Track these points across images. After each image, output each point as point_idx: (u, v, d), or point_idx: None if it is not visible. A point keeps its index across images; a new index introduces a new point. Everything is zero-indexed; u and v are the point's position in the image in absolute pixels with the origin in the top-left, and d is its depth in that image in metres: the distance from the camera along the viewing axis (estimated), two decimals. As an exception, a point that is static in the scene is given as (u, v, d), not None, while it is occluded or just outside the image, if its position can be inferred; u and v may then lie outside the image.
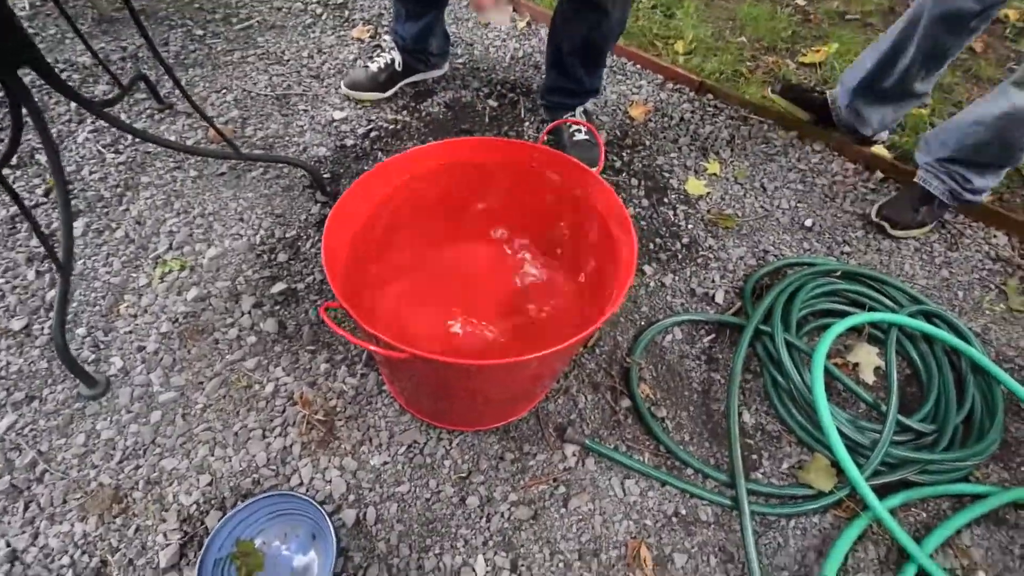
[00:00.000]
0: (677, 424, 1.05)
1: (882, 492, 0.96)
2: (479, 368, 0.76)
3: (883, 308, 1.22)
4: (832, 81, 1.84)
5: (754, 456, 1.03)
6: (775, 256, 1.33)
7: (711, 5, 2.18)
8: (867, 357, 1.17)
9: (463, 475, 0.96)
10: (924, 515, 0.98)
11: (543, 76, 1.51)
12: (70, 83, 1.54)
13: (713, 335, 1.18)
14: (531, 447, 1.00)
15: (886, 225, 1.38)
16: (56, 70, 1.55)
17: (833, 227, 1.41)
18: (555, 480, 0.97)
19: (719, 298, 1.24)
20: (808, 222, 1.41)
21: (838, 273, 1.26)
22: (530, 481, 0.97)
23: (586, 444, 0.99)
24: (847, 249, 1.37)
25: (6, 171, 1.33)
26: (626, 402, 1.07)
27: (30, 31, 1.68)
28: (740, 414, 1.07)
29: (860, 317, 1.12)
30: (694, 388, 1.10)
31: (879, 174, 1.52)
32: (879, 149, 1.59)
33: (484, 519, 0.92)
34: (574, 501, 0.95)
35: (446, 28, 1.58)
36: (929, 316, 1.21)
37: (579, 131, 1.45)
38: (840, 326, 1.08)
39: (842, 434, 1.00)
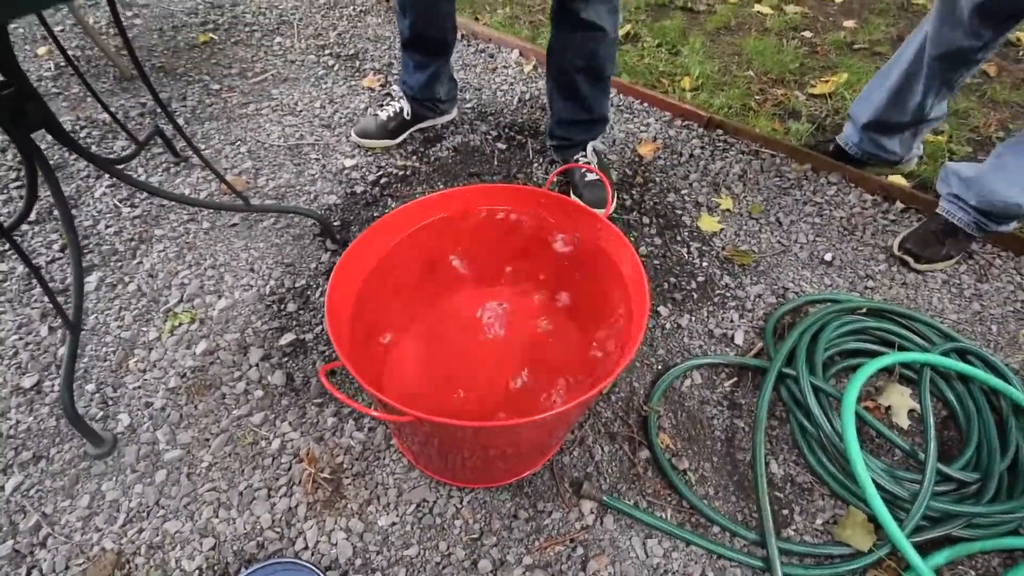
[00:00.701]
0: (700, 476, 1.00)
1: (926, 549, 0.89)
2: (486, 430, 0.73)
3: (913, 346, 1.17)
4: (843, 111, 1.82)
5: (784, 511, 0.96)
6: (795, 293, 1.28)
7: (717, 41, 2.20)
8: (900, 399, 1.11)
9: (475, 536, 0.92)
10: (973, 573, 0.91)
11: (549, 116, 1.51)
12: (90, 139, 1.59)
13: (735, 378, 1.13)
14: (546, 504, 0.96)
15: (909, 260, 1.33)
16: (77, 127, 1.61)
17: (855, 261, 1.36)
18: (572, 540, 0.92)
19: (739, 339, 1.19)
20: (828, 256, 1.36)
21: (863, 310, 1.21)
22: (545, 542, 0.91)
23: (604, 501, 0.94)
24: (871, 284, 1.32)
25: (25, 227, 1.36)
26: (645, 453, 1.02)
27: (54, 90, 1.74)
28: (767, 464, 1.01)
29: (890, 357, 1.06)
30: (717, 436, 1.05)
31: (899, 204, 1.48)
32: (897, 179, 1.55)
33: (497, 585, 0.87)
34: (593, 564, 0.89)
35: (453, 75, 1.60)
36: (963, 353, 1.14)
37: (590, 163, 1.45)
38: (870, 368, 1.02)
39: (878, 486, 0.93)
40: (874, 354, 1.15)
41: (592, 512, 0.95)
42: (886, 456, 1.04)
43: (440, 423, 0.66)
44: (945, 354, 1.12)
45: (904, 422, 1.08)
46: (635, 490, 0.98)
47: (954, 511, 0.92)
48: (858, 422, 1.01)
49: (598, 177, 1.41)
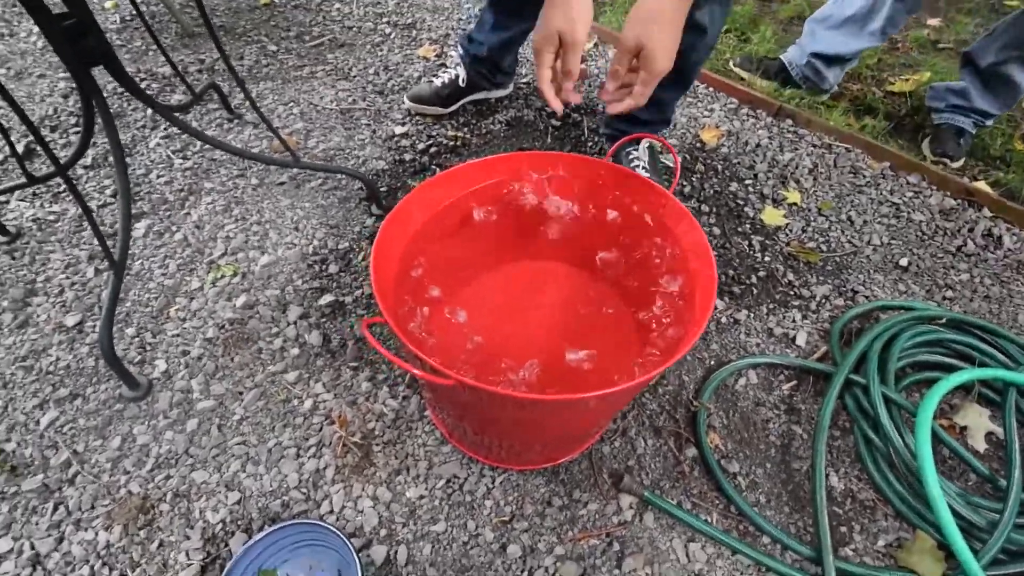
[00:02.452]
0: (751, 482, 0.92)
1: (1003, 586, 0.80)
2: (531, 402, 0.68)
3: (995, 363, 1.06)
4: (923, 110, 1.69)
5: (843, 528, 0.88)
6: (866, 297, 1.18)
7: (789, 31, 2.08)
8: (977, 420, 1.01)
9: (505, 519, 0.87)
10: (1055, 619, 0.81)
11: None
12: (149, 91, 1.60)
13: (794, 382, 1.05)
14: (582, 494, 0.90)
15: (947, 161, 1.46)
16: (137, 79, 1.63)
17: (933, 268, 1.25)
18: (608, 535, 0.86)
19: (800, 340, 1.10)
20: (903, 261, 1.26)
21: (942, 320, 1.11)
22: (580, 534, 0.86)
23: (645, 496, 0.88)
24: (949, 294, 1.21)
25: (80, 171, 1.38)
26: (692, 451, 0.95)
27: (118, 43, 1.77)
28: (827, 476, 0.93)
29: (972, 373, 0.96)
30: (771, 442, 0.97)
31: (986, 211, 1.36)
32: (982, 185, 1.42)
33: (526, 573, 0.82)
34: (629, 562, 0.83)
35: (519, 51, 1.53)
36: (1054, 377, 1.03)
37: (640, 164, 1.31)
38: (949, 382, 0.92)
39: (953, 511, 0.84)
40: (950, 368, 1.05)
41: (631, 507, 0.89)
42: (959, 480, 0.95)
43: (481, 390, 0.61)
44: (1035, 375, 1.01)
45: (980, 445, 0.98)
46: (679, 489, 0.91)
47: (1040, 547, 0.82)
48: (933, 441, 0.92)
49: (647, 173, 1.29)
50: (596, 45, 1.85)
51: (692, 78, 1.20)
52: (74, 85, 1.62)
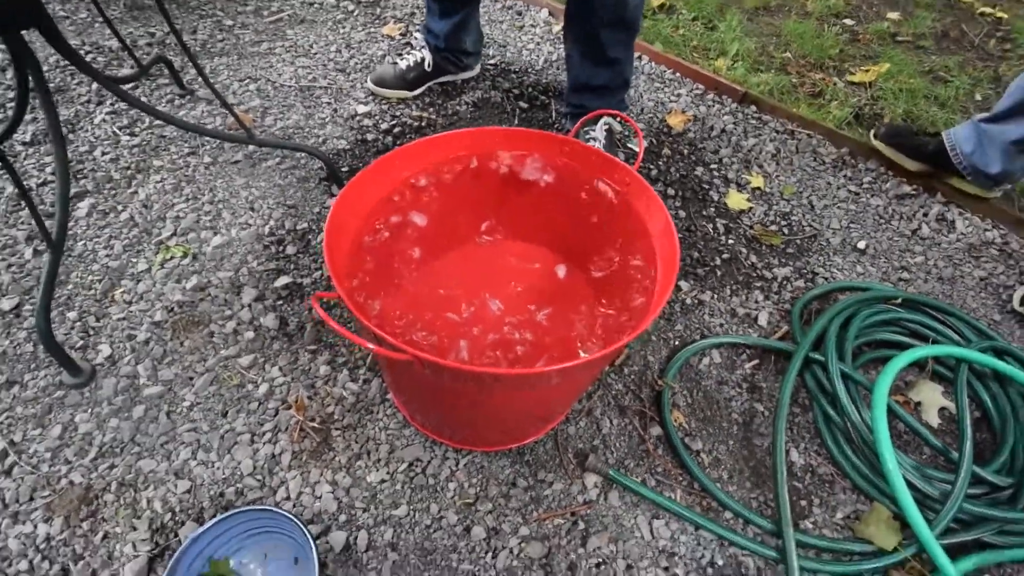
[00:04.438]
0: (714, 459, 0.93)
1: (953, 553, 0.83)
2: (491, 377, 0.66)
3: (947, 341, 1.09)
4: (886, 100, 1.73)
5: (803, 502, 0.90)
6: (825, 279, 1.21)
7: (755, 20, 2.10)
8: (931, 396, 1.04)
9: (469, 501, 0.85)
10: (1001, 584, 0.84)
11: (567, 82, 1.38)
12: (94, 65, 1.51)
13: (756, 360, 1.06)
14: (547, 474, 0.89)
15: None
16: (81, 52, 1.53)
17: (889, 251, 1.28)
18: (573, 514, 0.85)
19: (762, 320, 1.12)
20: (861, 244, 1.28)
21: (898, 301, 1.14)
22: (544, 514, 0.85)
23: (610, 475, 0.88)
24: (905, 276, 1.24)
25: (19, 148, 1.29)
26: (656, 430, 0.95)
27: (61, 14, 1.66)
28: (787, 452, 0.94)
29: (927, 349, 0.99)
30: (734, 419, 0.98)
31: (940, 197, 1.40)
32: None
33: (490, 554, 0.81)
34: (594, 540, 0.83)
35: (480, 26, 1.51)
36: (1000, 353, 1.07)
37: (598, 145, 1.32)
38: (903, 359, 0.95)
39: (907, 483, 0.86)
40: (906, 347, 1.07)
41: (596, 486, 0.88)
42: (913, 453, 0.97)
43: (441, 365, 0.59)
44: (983, 352, 1.04)
45: (934, 420, 1.01)
46: (643, 467, 0.91)
47: (987, 515, 0.85)
48: (887, 416, 0.94)
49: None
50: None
51: (637, 25, 1.21)
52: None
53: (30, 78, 0.92)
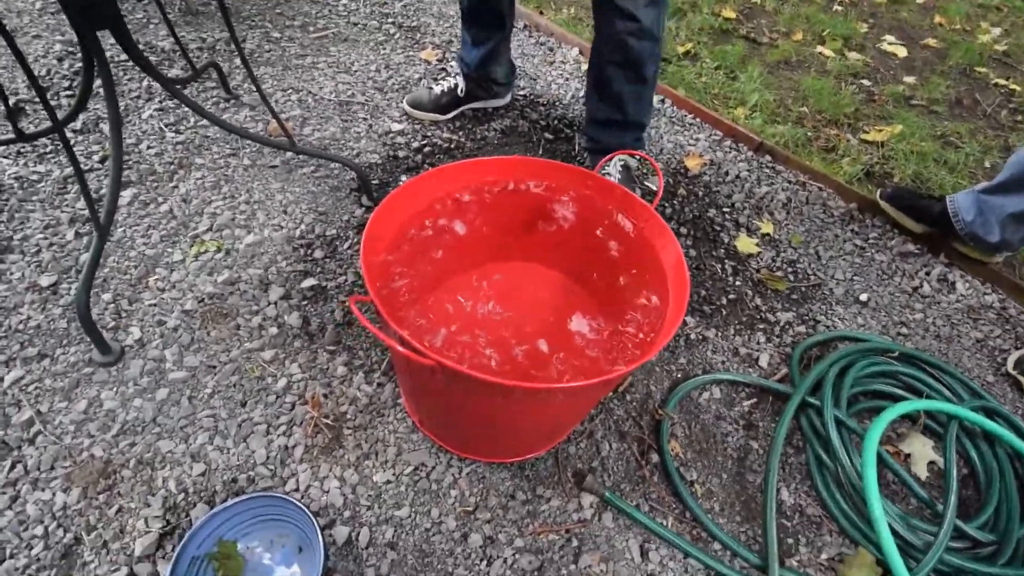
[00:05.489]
0: (707, 491, 0.96)
1: (933, 605, 0.85)
2: (505, 388, 0.70)
3: (940, 398, 1.13)
4: (897, 160, 1.80)
5: (790, 540, 0.92)
6: (826, 327, 1.25)
7: (775, 74, 2.18)
8: (921, 449, 1.07)
9: (469, 509, 0.89)
10: (979, 640, 0.86)
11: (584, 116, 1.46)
12: (147, 64, 1.60)
13: (754, 400, 1.10)
14: (545, 490, 0.92)
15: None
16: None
17: (890, 305, 1.32)
18: (567, 531, 0.88)
19: (763, 361, 1.16)
20: (863, 297, 1.33)
21: (895, 354, 1.17)
22: (540, 528, 0.88)
23: (606, 496, 0.91)
24: (904, 331, 1.28)
25: (69, 135, 1.36)
26: (654, 457, 0.99)
27: (120, 13, 1.76)
28: (778, 490, 0.97)
29: (919, 404, 1.02)
30: (729, 454, 1.01)
31: (943, 258, 1.45)
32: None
33: (484, 562, 0.84)
34: (585, 558, 0.86)
35: (511, 59, 1.60)
36: (991, 413, 1.10)
37: (612, 180, 1.38)
38: (896, 410, 0.98)
39: (892, 531, 0.89)
40: (900, 399, 1.11)
41: (592, 506, 0.91)
42: (901, 503, 1.00)
43: (459, 372, 0.63)
44: (974, 411, 1.08)
45: (923, 473, 1.04)
46: (638, 492, 0.94)
47: (968, 568, 0.88)
48: (877, 464, 0.97)
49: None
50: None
51: (644, 74, 1.28)
52: (69, 49, 1.60)
53: (96, 71, 0.99)
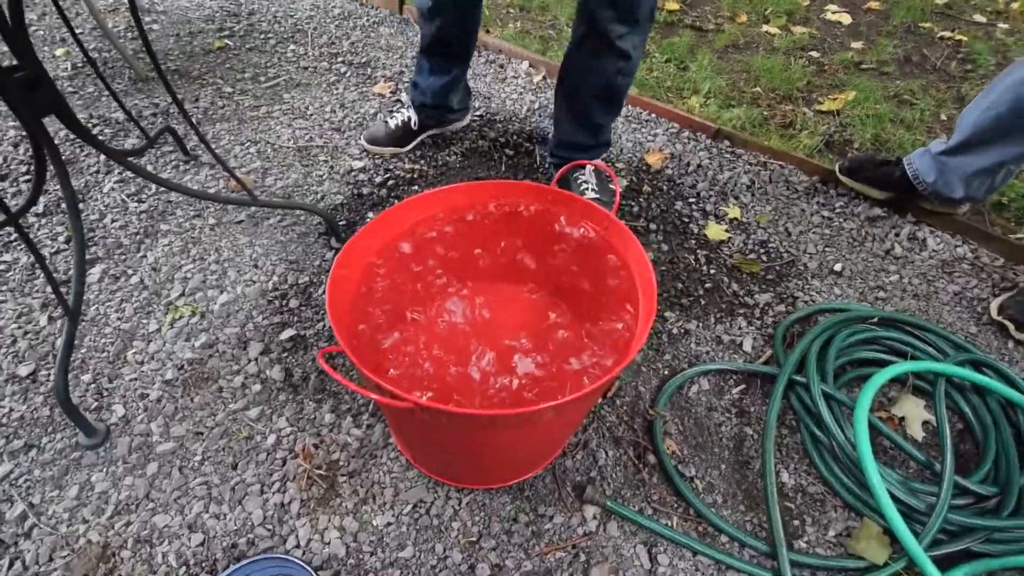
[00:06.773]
0: (708, 484, 0.96)
1: (943, 564, 0.86)
2: (489, 419, 0.71)
3: (926, 357, 1.14)
4: (854, 126, 1.82)
5: (796, 522, 0.93)
6: (805, 302, 1.26)
7: (725, 58, 2.22)
8: (914, 410, 1.08)
9: (472, 539, 0.88)
10: (995, 593, 0.86)
11: (552, 135, 1.49)
12: (102, 137, 1.60)
13: (743, 385, 1.10)
14: (547, 508, 0.92)
15: (1010, 326, 1.21)
16: (90, 125, 1.63)
17: (865, 272, 1.34)
18: (574, 546, 0.88)
19: (747, 346, 1.17)
20: (837, 267, 1.34)
21: (875, 319, 1.19)
22: (546, 548, 0.88)
23: (608, 505, 0.91)
24: (881, 295, 1.29)
25: (32, 219, 1.36)
26: (651, 459, 0.99)
27: (69, 90, 1.77)
28: (778, 473, 0.97)
29: (903, 366, 1.03)
30: (725, 444, 1.02)
31: (910, 216, 1.46)
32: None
33: (495, 589, 0.84)
34: (595, 571, 0.85)
35: (467, 84, 1.60)
36: (977, 365, 1.11)
37: (589, 187, 1.40)
38: (882, 376, 0.99)
39: (894, 497, 0.90)
40: (885, 364, 1.12)
41: (595, 518, 0.91)
42: (900, 467, 1.01)
43: (440, 410, 0.64)
44: (960, 365, 1.09)
45: (918, 434, 1.05)
46: (640, 496, 0.94)
47: (973, 524, 0.88)
48: (872, 432, 0.98)
49: (596, 195, 1.37)
50: (544, 78, 1.94)
51: (620, 102, 1.33)
52: (23, 134, 1.61)
53: (48, 159, 0.99)
